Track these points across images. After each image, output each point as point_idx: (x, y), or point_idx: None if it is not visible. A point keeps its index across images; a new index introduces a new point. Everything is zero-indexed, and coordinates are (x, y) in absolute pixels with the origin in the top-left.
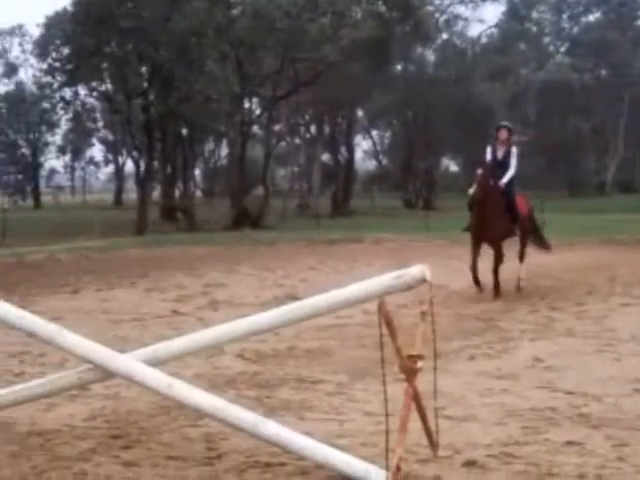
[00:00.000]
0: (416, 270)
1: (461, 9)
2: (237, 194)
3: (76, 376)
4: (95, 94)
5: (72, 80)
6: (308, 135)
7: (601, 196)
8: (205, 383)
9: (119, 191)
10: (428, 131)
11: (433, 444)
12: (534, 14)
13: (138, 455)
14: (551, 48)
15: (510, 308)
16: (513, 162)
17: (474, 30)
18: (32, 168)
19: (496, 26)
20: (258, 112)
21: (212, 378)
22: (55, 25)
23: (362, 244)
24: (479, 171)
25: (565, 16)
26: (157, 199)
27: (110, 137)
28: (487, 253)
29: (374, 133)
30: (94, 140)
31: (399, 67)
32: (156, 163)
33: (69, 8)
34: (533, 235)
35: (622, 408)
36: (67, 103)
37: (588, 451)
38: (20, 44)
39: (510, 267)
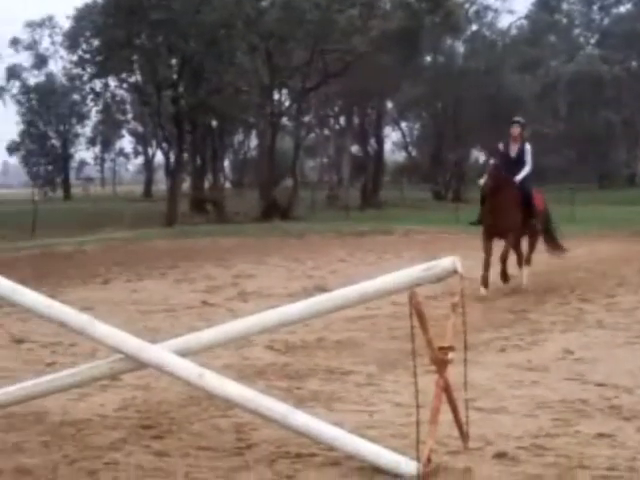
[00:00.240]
0: (447, 262)
1: (491, 0)
2: (266, 185)
3: (107, 366)
4: (125, 86)
5: (102, 72)
6: (337, 126)
7: (631, 188)
8: (235, 374)
9: (149, 183)
10: (458, 123)
11: (464, 436)
12: (564, 5)
13: (169, 445)
14: (581, 40)
15: (540, 300)
16: (528, 159)
17: (504, 21)
18: (62, 160)
19: (526, 17)
20: (287, 104)
21: (242, 369)
22: (85, 17)
23: (391, 236)
24: (491, 162)
25: (595, 7)
26: (186, 191)
27: (140, 129)
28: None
29: (403, 124)
30: (124, 132)
31: (428, 58)
32: (186, 155)
33: (99, 0)
34: (545, 235)
35: None
36: (97, 95)
37: (619, 443)
38: (50, 36)
39: (537, 259)
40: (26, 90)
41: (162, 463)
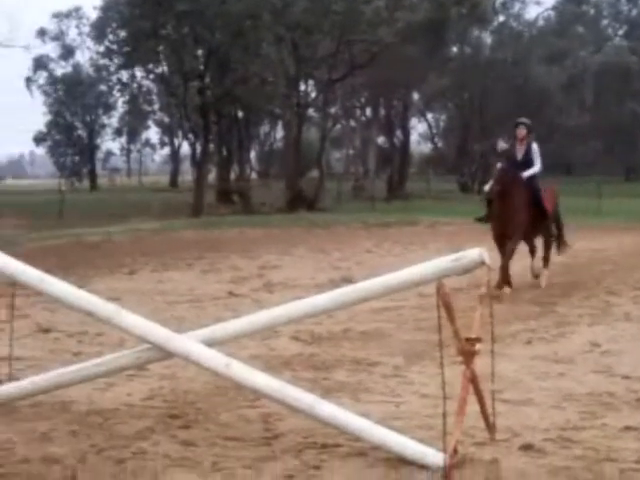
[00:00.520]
0: (474, 253)
1: None
2: (292, 176)
3: (134, 356)
4: (151, 76)
5: (129, 63)
6: (363, 118)
7: None
8: (261, 364)
9: (175, 173)
10: (484, 114)
11: (490, 427)
12: None
13: (196, 435)
14: (609, 31)
15: (567, 293)
16: (536, 159)
17: (531, 12)
18: (88, 150)
19: (553, 8)
20: (314, 95)
21: (268, 359)
22: (112, 8)
23: (417, 227)
24: (498, 165)
25: None
26: (212, 181)
27: (166, 119)
28: (523, 251)
29: (429, 116)
30: (150, 122)
31: (455, 49)
32: (212, 145)
33: None
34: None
35: None
36: (124, 85)
37: None
38: (77, 27)
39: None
40: (53, 81)
41: (189, 453)
